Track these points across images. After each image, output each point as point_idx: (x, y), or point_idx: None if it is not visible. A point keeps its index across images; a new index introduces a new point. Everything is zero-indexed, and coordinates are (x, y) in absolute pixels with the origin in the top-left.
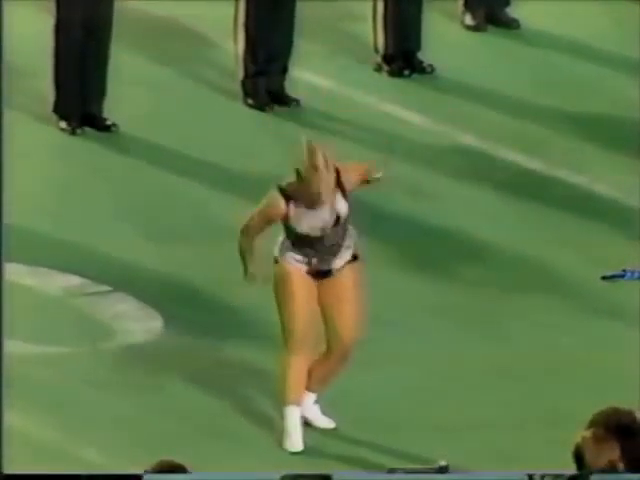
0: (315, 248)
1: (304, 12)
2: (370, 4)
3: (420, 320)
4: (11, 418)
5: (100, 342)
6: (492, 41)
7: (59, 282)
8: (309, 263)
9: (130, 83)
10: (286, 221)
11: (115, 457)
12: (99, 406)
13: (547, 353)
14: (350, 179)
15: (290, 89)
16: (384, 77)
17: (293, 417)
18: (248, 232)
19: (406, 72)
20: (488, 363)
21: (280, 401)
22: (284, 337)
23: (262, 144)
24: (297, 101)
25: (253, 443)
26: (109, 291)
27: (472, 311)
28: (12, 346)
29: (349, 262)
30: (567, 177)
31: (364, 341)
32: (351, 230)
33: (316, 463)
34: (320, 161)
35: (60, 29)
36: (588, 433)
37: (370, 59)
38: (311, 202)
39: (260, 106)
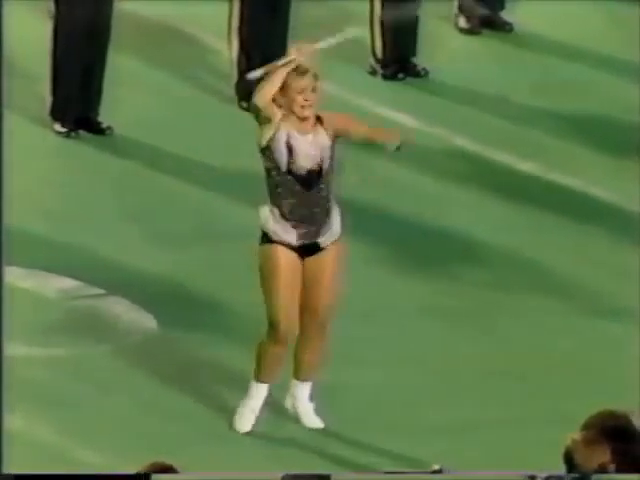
0: (301, 206)
1: (299, 14)
2: (365, 6)
3: (416, 320)
4: (7, 419)
5: (95, 345)
6: (486, 44)
7: (54, 285)
8: (298, 230)
9: (124, 86)
10: (272, 142)
11: (112, 458)
12: (94, 408)
13: (544, 354)
14: (332, 120)
15: None
16: (378, 80)
17: (260, 395)
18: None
19: (400, 75)
20: (484, 364)
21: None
22: (268, 324)
23: (256, 146)
24: None
25: (249, 444)
26: (104, 294)
27: (468, 312)
28: (8, 348)
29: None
30: (562, 179)
31: (360, 340)
32: (335, 207)
33: (311, 463)
34: (307, 67)
35: (59, 32)
36: (578, 436)
37: (364, 62)
38: (297, 120)
39: None
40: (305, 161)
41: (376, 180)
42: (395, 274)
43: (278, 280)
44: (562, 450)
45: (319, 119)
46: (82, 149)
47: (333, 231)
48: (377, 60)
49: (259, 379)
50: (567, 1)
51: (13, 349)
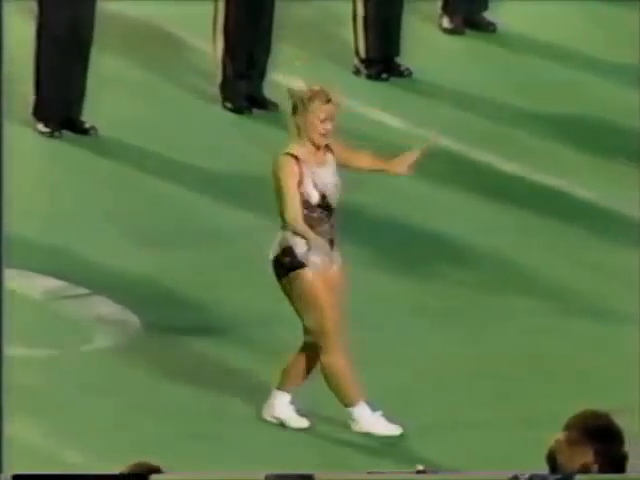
0: (324, 230)
1: (283, 15)
2: (350, 7)
3: (403, 322)
4: None
5: (79, 345)
6: (470, 44)
7: (39, 285)
8: (323, 251)
9: (109, 86)
10: (301, 187)
11: (97, 458)
12: (78, 408)
13: (529, 354)
14: (339, 150)
15: (268, 92)
16: (362, 80)
17: (366, 414)
18: (297, 215)
19: (384, 75)
20: (470, 364)
21: (345, 404)
22: (320, 339)
23: (241, 147)
24: (275, 104)
25: (233, 444)
26: (87, 294)
27: (454, 313)
28: None
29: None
30: (546, 180)
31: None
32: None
33: (298, 463)
34: (330, 93)
35: (42, 32)
36: (561, 436)
37: (349, 62)
38: (315, 149)
39: (238, 109)
40: (330, 192)
41: (361, 182)
42: (381, 275)
43: (323, 301)
44: (544, 451)
45: (327, 146)
46: (65, 149)
47: (337, 251)
48: (361, 60)
49: (356, 401)
50: (550, 2)
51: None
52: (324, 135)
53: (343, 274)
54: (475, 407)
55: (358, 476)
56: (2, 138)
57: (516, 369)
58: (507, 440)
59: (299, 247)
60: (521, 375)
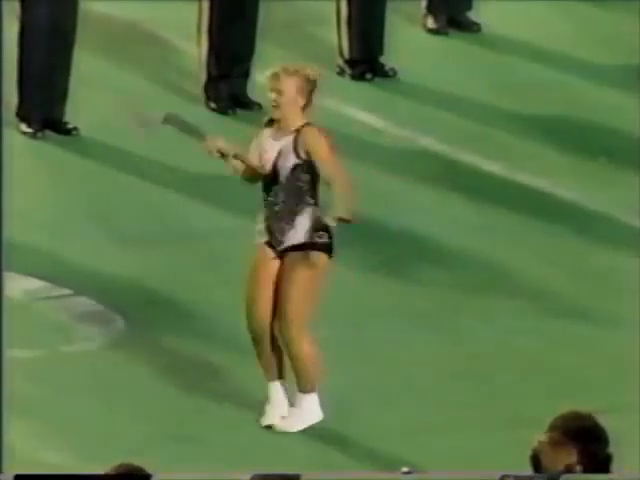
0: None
1: (267, 15)
2: (333, 7)
3: (383, 322)
4: None
5: (61, 345)
6: (454, 44)
7: (20, 285)
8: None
9: (91, 87)
10: None
11: (81, 459)
12: (61, 409)
13: (511, 355)
14: (305, 143)
15: (253, 93)
16: (346, 81)
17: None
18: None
19: (368, 76)
20: (452, 365)
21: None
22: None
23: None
24: (259, 105)
25: (218, 444)
26: (70, 294)
27: (433, 313)
28: None
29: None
30: (527, 180)
31: (322, 342)
32: (314, 209)
33: (283, 464)
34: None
35: (25, 32)
36: (544, 437)
37: (333, 62)
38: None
39: (222, 110)
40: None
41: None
42: (359, 275)
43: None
44: (528, 452)
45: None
46: (48, 150)
47: (301, 231)
48: (345, 60)
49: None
50: (534, 2)
51: None
52: (273, 107)
53: (298, 268)
54: (457, 408)
55: (344, 476)
56: (2, 138)
57: (498, 370)
58: (490, 441)
59: None
60: (503, 376)
